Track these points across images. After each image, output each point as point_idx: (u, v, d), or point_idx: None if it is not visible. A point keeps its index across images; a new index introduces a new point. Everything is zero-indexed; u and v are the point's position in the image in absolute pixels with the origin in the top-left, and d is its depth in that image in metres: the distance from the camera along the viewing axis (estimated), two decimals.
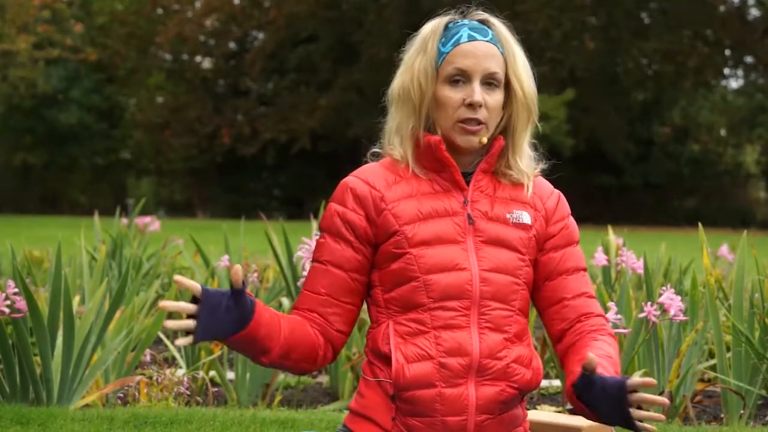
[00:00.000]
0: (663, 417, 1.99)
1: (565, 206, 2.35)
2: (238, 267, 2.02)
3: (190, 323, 2.02)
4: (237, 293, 2.06)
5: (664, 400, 1.93)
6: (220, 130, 30.77)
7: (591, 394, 2.05)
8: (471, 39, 2.24)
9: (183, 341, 2.01)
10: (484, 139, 2.23)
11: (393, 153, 2.29)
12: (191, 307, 2.03)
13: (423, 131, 2.26)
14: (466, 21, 2.28)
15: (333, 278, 2.24)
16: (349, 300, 2.26)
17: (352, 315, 2.27)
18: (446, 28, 2.28)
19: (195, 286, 2.01)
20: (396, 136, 2.30)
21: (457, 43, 2.24)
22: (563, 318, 2.28)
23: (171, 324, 2.00)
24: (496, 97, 2.24)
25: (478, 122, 2.22)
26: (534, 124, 2.30)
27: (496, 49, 2.25)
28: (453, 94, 2.23)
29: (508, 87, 2.26)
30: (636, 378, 2.01)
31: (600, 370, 2.06)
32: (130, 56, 32.08)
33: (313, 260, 2.28)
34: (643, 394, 2.00)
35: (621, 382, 2.01)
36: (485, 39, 2.25)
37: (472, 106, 2.21)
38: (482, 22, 2.29)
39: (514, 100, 2.26)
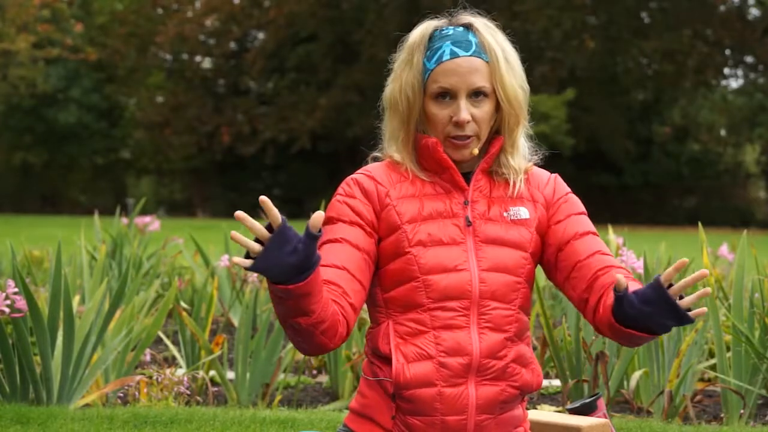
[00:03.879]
0: (705, 309, 2.03)
1: (562, 186, 2.35)
2: (319, 213, 1.94)
3: (255, 246, 1.92)
4: (311, 238, 1.94)
5: (704, 287, 1.95)
6: (220, 129, 30.76)
7: (634, 310, 2.06)
8: (453, 56, 2.23)
9: (240, 261, 1.90)
10: (476, 150, 2.25)
11: (394, 156, 2.30)
12: (263, 232, 1.92)
13: (418, 133, 2.27)
14: (450, 30, 2.27)
15: (350, 253, 2.20)
16: (362, 278, 2.21)
17: (363, 295, 2.22)
18: (431, 38, 2.27)
19: (276, 216, 1.92)
20: (393, 142, 2.31)
21: (439, 61, 2.24)
22: (581, 279, 2.25)
23: (237, 237, 1.91)
24: (485, 108, 2.24)
25: (468, 137, 2.23)
26: (524, 124, 2.31)
27: (480, 61, 2.24)
28: (440, 111, 2.24)
29: (497, 93, 2.26)
30: (666, 271, 2.04)
31: (631, 287, 2.09)
32: (130, 56, 32.06)
33: (325, 242, 2.22)
34: (680, 282, 2.03)
35: (655, 281, 2.04)
36: (467, 54, 2.23)
37: (458, 124, 2.22)
38: (467, 27, 2.28)
39: (505, 105, 2.26)
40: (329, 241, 2.22)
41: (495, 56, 2.25)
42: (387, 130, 2.32)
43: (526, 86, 2.30)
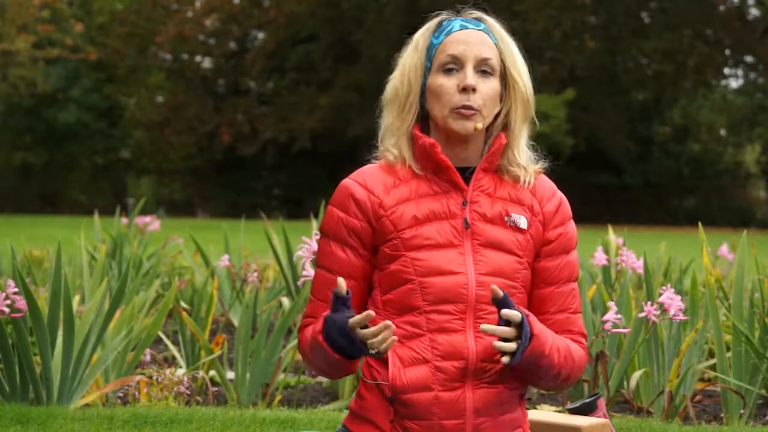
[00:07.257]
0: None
1: (565, 211, 2.32)
2: (341, 282, 2.12)
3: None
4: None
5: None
6: (220, 129, 30.76)
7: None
8: (463, 27, 2.25)
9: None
10: (479, 125, 2.22)
11: (387, 155, 2.29)
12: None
13: (416, 125, 2.26)
14: (460, 17, 2.29)
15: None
16: (359, 303, 2.26)
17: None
18: (439, 24, 2.29)
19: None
20: (390, 137, 2.29)
21: (449, 33, 2.25)
22: None
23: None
24: (491, 85, 2.23)
25: (472, 108, 2.21)
26: (532, 121, 2.30)
27: (488, 38, 2.25)
28: (446, 81, 2.23)
29: (504, 80, 2.26)
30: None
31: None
32: (129, 55, 32.06)
33: (320, 265, 2.27)
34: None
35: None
36: (478, 28, 2.25)
37: (465, 90, 2.20)
38: (477, 19, 2.30)
39: (513, 92, 2.25)
40: (323, 269, 2.27)
41: (506, 44, 2.27)
42: (384, 124, 2.31)
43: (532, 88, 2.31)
